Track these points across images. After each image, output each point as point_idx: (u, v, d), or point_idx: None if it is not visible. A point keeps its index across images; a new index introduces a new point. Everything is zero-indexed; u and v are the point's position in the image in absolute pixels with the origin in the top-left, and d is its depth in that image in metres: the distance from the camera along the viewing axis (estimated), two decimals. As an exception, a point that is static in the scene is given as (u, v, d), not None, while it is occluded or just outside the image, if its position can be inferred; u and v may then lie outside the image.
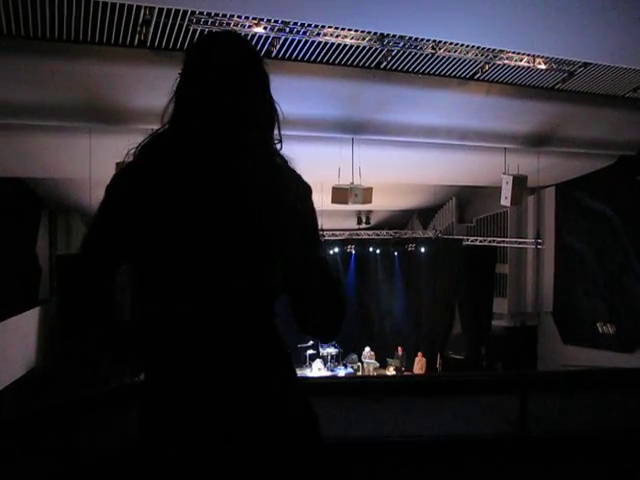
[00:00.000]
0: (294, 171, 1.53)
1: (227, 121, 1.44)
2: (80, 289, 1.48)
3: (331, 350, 15.59)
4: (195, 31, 7.36)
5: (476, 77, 9.35)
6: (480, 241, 15.09)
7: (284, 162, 1.52)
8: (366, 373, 15.06)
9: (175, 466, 1.41)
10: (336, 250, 17.12)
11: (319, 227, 1.58)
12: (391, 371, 15.24)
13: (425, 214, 17.68)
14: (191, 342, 1.43)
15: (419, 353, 15.03)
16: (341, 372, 15.04)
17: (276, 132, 1.53)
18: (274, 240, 1.44)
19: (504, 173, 11.21)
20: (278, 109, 1.52)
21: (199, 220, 1.40)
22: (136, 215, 1.41)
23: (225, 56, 1.46)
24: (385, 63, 8.74)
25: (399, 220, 18.14)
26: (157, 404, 1.46)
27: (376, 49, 8.26)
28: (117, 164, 9.06)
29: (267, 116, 1.51)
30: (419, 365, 14.85)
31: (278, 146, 1.53)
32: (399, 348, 15.59)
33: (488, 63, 8.86)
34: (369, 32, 7.70)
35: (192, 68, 1.49)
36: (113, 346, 1.55)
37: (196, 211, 1.40)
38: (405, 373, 14.88)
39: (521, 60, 8.58)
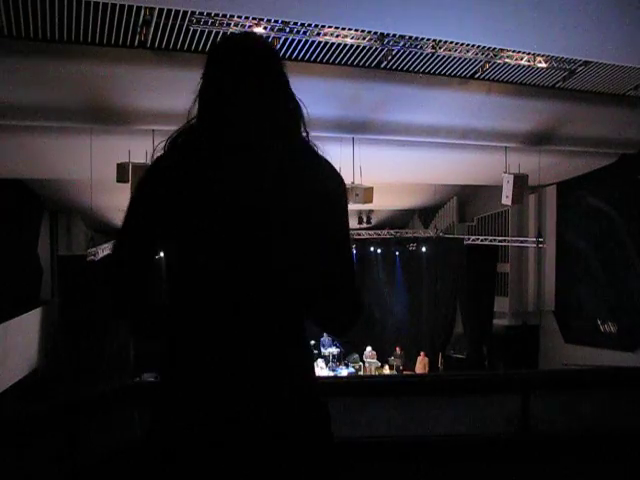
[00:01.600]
0: (328, 165, 1.49)
1: (245, 121, 1.44)
2: (119, 274, 1.51)
3: (333, 350, 15.60)
4: (195, 31, 7.36)
5: (476, 76, 9.35)
6: (481, 240, 15.08)
7: (315, 156, 1.49)
8: (367, 373, 15.07)
9: (184, 467, 1.41)
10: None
11: (349, 226, 1.52)
12: (387, 369, 15.25)
13: (426, 213, 17.68)
14: (211, 345, 1.42)
15: (422, 353, 15.03)
16: (343, 372, 15.05)
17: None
18: (301, 243, 1.42)
19: (505, 172, 11.20)
20: (302, 107, 1.50)
21: (221, 222, 1.40)
22: (163, 211, 1.43)
23: (243, 57, 1.47)
24: (385, 62, 8.74)
25: (400, 219, 18.14)
26: (172, 405, 1.45)
27: (376, 49, 8.25)
28: (118, 165, 9.10)
29: (289, 115, 1.49)
30: (422, 365, 14.84)
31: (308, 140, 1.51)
32: (397, 347, 15.61)
33: (488, 62, 8.85)
34: (369, 32, 7.70)
35: (212, 70, 1.49)
36: (146, 327, 1.57)
37: (219, 213, 1.40)
38: (405, 372, 14.88)
39: (521, 59, 8.58)
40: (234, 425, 1.40)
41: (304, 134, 1.50)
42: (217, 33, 7.38)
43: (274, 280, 1.41)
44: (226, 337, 1.42)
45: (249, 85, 1.44)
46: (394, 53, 8.44)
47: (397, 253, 16.92)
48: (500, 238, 15.05)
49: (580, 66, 9.04)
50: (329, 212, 1.44)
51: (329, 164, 1.50)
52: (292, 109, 1.49)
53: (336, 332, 1.57)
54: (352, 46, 8.12)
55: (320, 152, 1.50)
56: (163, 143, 1.50)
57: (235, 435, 1.39)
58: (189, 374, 1.44)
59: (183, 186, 1.42)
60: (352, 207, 12.79)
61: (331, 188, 1.47)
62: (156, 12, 6.90)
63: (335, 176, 1.49)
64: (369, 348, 15.61)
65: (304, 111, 1.50)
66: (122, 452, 2.68)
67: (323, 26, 7.48)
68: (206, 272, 1.41)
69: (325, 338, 15.88)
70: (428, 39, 7.90)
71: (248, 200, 1.40)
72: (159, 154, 1.49)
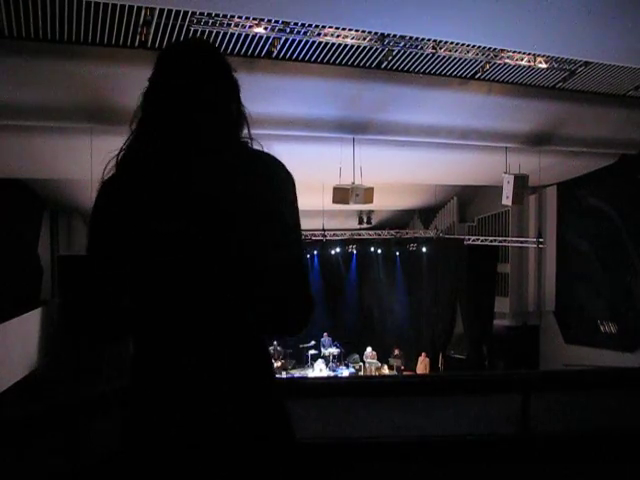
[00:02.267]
0: (274, 164, 1.52)
1: (187, 125, 1.47)
2: (86, 299, 1.53)
3: (333, 350, 15.62)
4: (196, 32, 7.36)
5: (477, 76, 9.35)
6: (482, 240, 15.09)
7: (258, 154, 1.52)
8: (368, 373, 15.07)
9: (157, 471, 1.43)
10: (337, 250, 17.15)
11: (298, 222, 1.53)
12: (386, 370, 15.26)
13: (426, 214, 17.68)
14: (173, 351, 1.45)
15: (423, 353, 15.04)
16: (343, 372, 15.05)
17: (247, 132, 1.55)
18: (249, 240, 1.43)
19: (505, 172, 11.21)
20: (245, 110, 1.55)
21: (171, 229, 1.42)
22: (117, 230, 1.46)
23: (189, 62, 1.51)
24: (386, 63, 8.74)
25: (400, 220, 18.14)
26: (141, 410, 1.48)
27: (377, 49, 8.25)
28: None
29: (232, 118, 1.53)
30: (423, 365, 14.85)
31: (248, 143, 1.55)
32: (395, 349, 15.63)
33: (489, 62, 8.85)
34: (370, 32, 7.70)
35: (157, 75, 1.53)
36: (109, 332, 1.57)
37: (167, 220, 1.42)
38: (406, 373, 14.88)
39: (522, 59, 8.58)
40: (199, 429, 1.42)
41: (246, 134, 1.54)
42: (217, 33, 7.39)
43: (227, 277, 1.43)
44: (187, 338, 1.44)
45: (191, 90, 1.49)
46: (394, 53, 8.44)
47: (397, 253, 16.93)
48: (500, 238, 15.05)
49: (580, 66, 9.05)
50: (275, 205, 1.46)
51: (274, 159, 1.52)
52: (234, 115, 1.53)
53: (287, 330, 1.56)
54: (352, 46, 8.12)
55: (265, 149, 1.53)
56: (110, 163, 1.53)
57: (202, 436, 1.41)
58: (153, 378, 1.47)
59: (131, 203, 1.45)
60: (352, 207, 12.80)
61: (276, 181, 1.50)
62: (157, 12, 6.91)
63: (280, 169, 1.52)
64: (369, 348, 15.62)
65: (246, 111, 1.55)
66: (122, 452, 2.67)
67: (323, 26, 7.48)
68: (164, 271, 1.43)
69: (325, 338, 15.89)
70: (428, 39, 7.90)
71: (199, 197, 1.42)
72: (108, 175, 1.53)
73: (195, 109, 1.48)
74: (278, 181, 1.50)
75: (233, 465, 1.43)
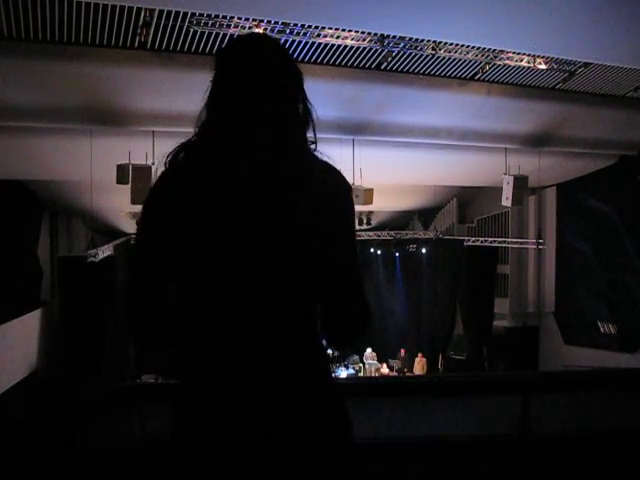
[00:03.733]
0: (334, 171, 1.49)
1: (257, 125, 1.43)
2: (138, 304, 1.50)
3: (332, 351, 15.59)
4: (195, 33, 7.37)
5: (476, 77, 9.35)
6: (481, 241, 15.08)
7: (321, 162, 1.49)
8: (368, 374, 15.05)
9: (208, 468, 1.42)
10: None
11: (355, 231, 1.53)
12: (385, 368, 15.23)
13: (426, 215, 17.68)
14: (228, 347, 1.42)
15: (419, 354, 15.02)
16: (343, 373, 15.04)
17: (311, 135, 1.51)
18: (314, 248, 1.41)
19: (505, 173, 11.21)
20: (312, 110, 1.50)
21: (235, 231, 1.39)
22: (174, 228, 1.41)
23: (255, 58, 1.45)
24: (385, 64, 8.75)
25: (400, 221, 18.14)
26: (192, 409, 1.45)
27: (376, 50, 8.26)
28: (118, 166, 9.10)
29: (299, 117, 1.49)
30: (420, 366, 14.83)
31: (312, 147, 1.50)
32: (402, 350, 15.59)
33: (488, 63, 8.86)
34: (369, 33, 7.70)
35: (222, 73, 1.47)
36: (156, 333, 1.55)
37: (232, 221, 1.39)
38: (407, 374, 14.86)
39: (521, 60, 8.58)
40: (255, 425, 1.40)
41: (311, 140, 1.50)
42: (217, 34, 7.39)
43: (286, 282, 1.41)
44: (242, 339, 1.41)
45: (259, 88, 1.43)
46: (394, 54, 8.44)
47: (397, 254, 16.91)
48: (500, 239, 15.05)
49: (580, 67, 9.05)
50: (337, 218, 1.44)
51: (337, 171, 1.49)
52: (301, 111, 1.49)
53: (343, 343, 1.58)
54: (352, 47, 8.13)
55: (325, 158, 1.50)
56: (166, 158, 1.47)
57: (256, 434, 1.39)
58: (209, 376, 1.44)
59: (194, 193, 1.40)
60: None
61: (339, 195, 1.47)
62: (156, 13, 6.91)
63: (343, 183, 1.49)
64: (369, 349, 15.60)
65: (314, 115, 1.50)
66: (122, 452, 2.68)
67: (323, 27, 7.48)
68: (221, 275, 1.41)
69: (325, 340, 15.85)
70: (428, 40, 7.91)
71: (259, 203, 1.39)
72: (162, 169, 1.47)
73: (261, 107, 1.42)
74: (341, 193, 1.47)
75: (295, 464, 1.41)
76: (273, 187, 1.40)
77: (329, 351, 15.05)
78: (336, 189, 1.47)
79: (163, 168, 1.47)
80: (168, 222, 1.42)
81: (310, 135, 1.51)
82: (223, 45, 1.54)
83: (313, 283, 1.43)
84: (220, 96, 1.45)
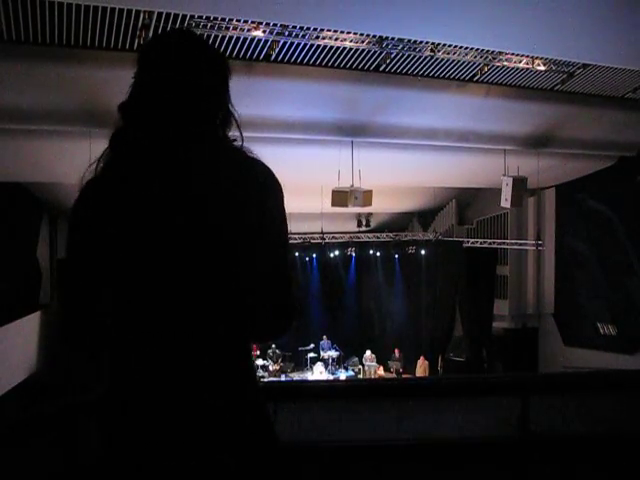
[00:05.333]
0: (262, 169, 1.45)
1: (168, 124, 1.41)
2: (72, 308, 1.50)
3: (332, 353, 15.60)
4: (194, 35, 7.36)
5: (475, 79, 9.36)
6: (480, 243, 15.10)
7: (248, 161, 1.45)
8: (367, 376, 15.07)
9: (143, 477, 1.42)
10: (336, 253, 17.14)
11: (287, 229, 1.49)
12: (381, 371, 15.26)
13: (425, 216, 17.69)
14: (155, 358, 1.41)
15: (421, 356, 15.03)
16: (342, 375, 15.04)
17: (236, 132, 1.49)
18: (236, 250, 1.39)
19: (504, 175, 11.21)
20: (232, 108, 1.48)
21: (149, 237, 1.38)
22: (97, 235, 1.41)
23: (172, 55, 1.44)
24: (384, 66, 8.76)
25: (399, 222, 18.15)
26: (124, 419, 1.44)
27: (375, 52, 8.27)
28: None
29: (218, 114, 1.46)
30: (422, 368, 14.84)
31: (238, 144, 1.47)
32: (396, 350, 15.61)
33: (487, 65, 8.87)
34: (368, 35, 7.72)
35: (140, 69, 1.47)
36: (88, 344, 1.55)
37: (145, 228, 1.38)
38: (405, 376, 14.86)
39: (520, 62, 8.59)
40: (182, 435, 1.39)
41: (235, 138, 1.47)
42: (216, 37, 7.39)
43: (213, 286, 1.39)
44: (169, 349, 1.39)
45: (175, 86, 1.42)
46: (393, 56, 8.45)
47: (396, 256, 16.94)
48: (499, 241, 15.06)
49: (579, 69, 9.07)
50: (262, 216, 1.41)
51: (265, 169, 1.46)
52: (222, 111, 1.46)
53: (267, 337, 1.57)
54: (351, 49, 8.14)
55: (254, 155, 1.46)
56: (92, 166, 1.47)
57: (185, 441, 1.39)
58: (134, 385, 1.42)
59: (109, 204, 1.40)
60: (351, 210, 12.81)
61: (263, 192, 1.44)
62: (155, 16, 6.91)
63: (268, 180, 1.46)
64: (369, 351, 15.61)
65: (236, 115, 1.47)
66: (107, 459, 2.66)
67: (322, 29, 7.49)
68: (146, 283, 1.39)
69: (324, 341, 15.88)
70: (426, 42, 7.92)
71: (180, 209, 1.37)
72: (88, 177, 1.47)
73: (177, 108, 1.41)
74: (265, 190, 1.44)
75: (217, 468, 1.41)
76: (185, 189, 1.37)
77: (330, 352, 14.99)
78: (260, 187, 1.43)
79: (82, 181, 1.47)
80: (88, 234, 1.42)
81: (235, 133, 1.47)
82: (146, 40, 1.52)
83: (237, 284, 1.40)
84: (137, 94, 1.46)
